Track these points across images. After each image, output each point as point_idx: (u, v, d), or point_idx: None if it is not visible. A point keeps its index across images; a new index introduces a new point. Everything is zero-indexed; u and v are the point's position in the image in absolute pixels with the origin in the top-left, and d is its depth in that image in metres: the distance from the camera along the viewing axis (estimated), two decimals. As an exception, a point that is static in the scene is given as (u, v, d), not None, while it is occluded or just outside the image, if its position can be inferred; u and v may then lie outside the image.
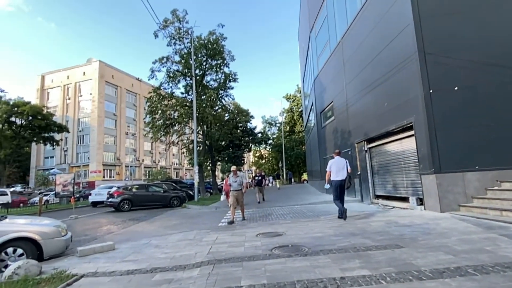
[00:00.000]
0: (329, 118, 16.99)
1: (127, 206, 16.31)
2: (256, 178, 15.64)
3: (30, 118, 39.46)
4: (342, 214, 7.52)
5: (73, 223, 12.03)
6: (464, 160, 7.33)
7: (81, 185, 48.45)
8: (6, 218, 5.94)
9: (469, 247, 4.16)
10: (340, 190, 7.64)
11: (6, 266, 5.01)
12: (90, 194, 24.13)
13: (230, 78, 23.65)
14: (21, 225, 5.58)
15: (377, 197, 11.09)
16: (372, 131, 10.79)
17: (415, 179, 8.53)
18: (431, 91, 7.70)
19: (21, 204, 27.78)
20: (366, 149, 11.62)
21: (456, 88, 7.66)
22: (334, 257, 4.19)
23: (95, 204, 21.48)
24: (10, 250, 5.24)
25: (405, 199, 9.36)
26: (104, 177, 52.64)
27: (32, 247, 5.40)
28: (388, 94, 9.61)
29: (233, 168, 9.62)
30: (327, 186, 8.13)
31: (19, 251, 5.28)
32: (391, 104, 9.39)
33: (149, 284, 3.80)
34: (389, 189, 10.19)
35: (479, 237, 4.66)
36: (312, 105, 23.08)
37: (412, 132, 8.38)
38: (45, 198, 29.19)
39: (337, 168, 7.65)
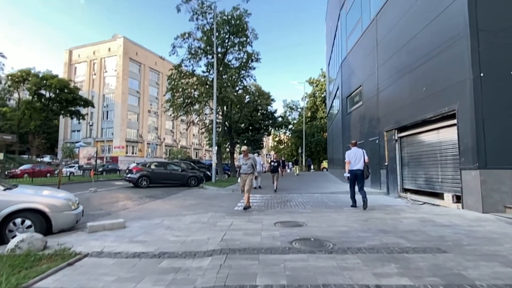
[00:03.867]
0: (356, 103, 16.00)
1: (145, 183, 16.35)
2: (272, 164, 14.19)
3: (58, 91, 40.65)
4: (354, 205, 7.99)
5: (91, 196, 12.11)
6: (515, 156, 6.43)
7: (104, 159, 50.09)
8: (17, 187, 5.78)
9: (531, 260, 3.47)
10: (357, 179, 7.80)
11: (14, 237, 4.81)
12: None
13: (253, 57, 22.74)
14: (31, 196, 5.39)
15: (405, 190, 10.30)
16: (405, 118, 9.88)
17: (453, 174, 7.69)
18: (481, 74, 6.73)
19: (48, 174, 28.88)
20: (396, 138, 10.74)
21: (512, 73, 6.64)
22: (364, 258, 3.63)
23: None
24: (18, 220, 5.06)
25: (438, 195, 8.55)
26: (127, 153, 54.03)
27: (40, 219, 5.19)
28: (427, 78, 8.64)
29: (244, 148, 8.49)
30: (346, 174, 8.10)
31: (27, 222, 5.09)
32: (430, 89, 8.44)
33: (155, 271, 3.42)
34: (420, 183, 9.37)
35: (541, 248, 3.94)
36: (337, 89, 21.99)
37: (453, 121, 7.47)
38: (70, 170, 30.37)
39: (354, 158, 7.82)
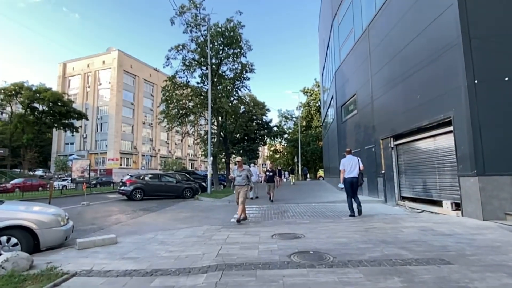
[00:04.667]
0: (351, 112, 16.04)
1: (139, 195, 16.04)
2: (268, 173, 13.76)
3: (51, 104, 40.21)
4: (353, 213, 7.79)
5: (83, 210, 11.80)
6: (514, 162, 6.38)
7: (98, 172, 49.39)
8: (3, 203, 5.55)
9: (538, 270, 3.35)
10: (353, 186, 7.81)
11: (-1, 256, 4.58)
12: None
13: (247, 68, 22.85)
14: (17, 212, 5.16)
15: (403, 198, 10.20)
16: (401, 126, 9.87)
17: (451, 181, 7.62)
18: (476, 81, 6.74)
19: (40, 188, 28.29)
20: (392, 146, 10.70)
21: (506, 79, 6.66)
22: (366, 272, 3.48)
23: None
24: (4, 238, 4.82)
25: (436, 203, 8.46)
26: (121, 165, 53.42)
27: (27, 237, 4.97)
28: (422, 86, 8.66)
29: (238, 159, 8.21)
30: (341, 185, 8.17)
31: (13, 240, 4.86)
32: (425, 96, 8.45)
33: (146, 291, 3.23)
34: (418, 190, 9.28)
35: (547, 256, 3.82)
36: (332, 98, 22.10)
37: (450, 128, 7.45)
38: (62, 183, 29.85)
39: (350, 166, 7.86)
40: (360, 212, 7.79)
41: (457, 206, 7.35)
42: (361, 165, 7.88)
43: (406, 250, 4.34)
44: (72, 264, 4.29)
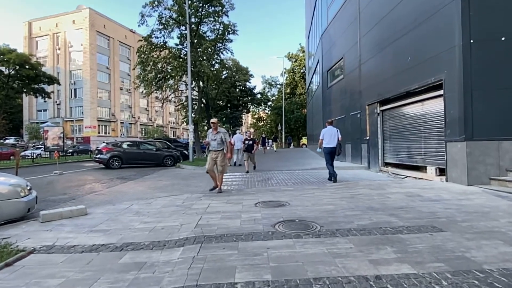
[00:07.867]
0: (337, 77, 15.56)
1: (117, 164, 15.41)
2: (247, 142, 12.15)
3: (17, 67, 37.15)
4: (331, 178, 8.10)
5: (55, 180, 11.14)
6: (502, 127, 6.24)
7: (75, 140, 47.55)
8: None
9: (534, 236, 3.21)
10: (331, 155, 8.15)
11: None
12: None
13: (229, 29, 21.43)
14: (-33, 184, 4.56)
15: (387, 164, 10.18)
16: (388, 91, 9.55)
17: (437, 147, 7.50)
18: (471, 41, 6.36)
19: (12, 157, 26.94)
20: (378, 111, 10.46)
21: (503, 39, 6.31)
22: (356, 241, 3.23)
23: None
24: (-48, 213, 4.26)
25: (419, 168, 8.44)
26: (99, 133, 51.52)
27: (-19, 210, 4.43)
28: (413, 48, 8.23)
29: (213, 120, 7.18)
30: (319, 150, 8.68)
31: (-36, 214, 4.31)
32: (416, 59, 8.05)
33: (113, 269, 2.85)
34: (402, 156, 9.22)
35: (539, 221, 3.71)
36: (317, 63, 21.42)
37: (439, 92, 7.17)
38: (36, 151, 28.53)
39: (329, 136, 8.08)
40: (330, 178, 8.19)
41: (441, 171, 7.30)
42: (339, 136, 8.12)
43: (395, 217, 4.15)
44: (32, 239, 3.84)
